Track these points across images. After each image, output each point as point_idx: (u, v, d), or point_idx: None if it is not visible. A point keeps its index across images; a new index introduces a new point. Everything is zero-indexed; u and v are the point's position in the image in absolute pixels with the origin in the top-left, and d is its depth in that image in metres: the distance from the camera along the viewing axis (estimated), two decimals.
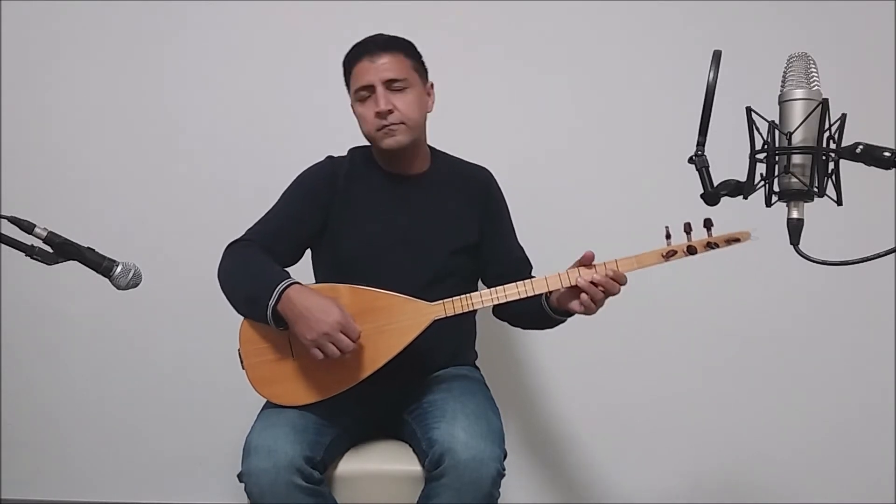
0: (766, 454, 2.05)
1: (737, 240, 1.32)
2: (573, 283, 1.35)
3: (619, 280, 1.34)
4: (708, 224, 1.28)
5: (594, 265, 1.35)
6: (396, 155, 1.52)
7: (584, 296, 1.34)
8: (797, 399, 2.04)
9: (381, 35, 1.51)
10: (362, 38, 1.52)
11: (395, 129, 1.47)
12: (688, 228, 1.30)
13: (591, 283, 1.33)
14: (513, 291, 1.38)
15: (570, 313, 1.42)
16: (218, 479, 2.09)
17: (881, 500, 2.01)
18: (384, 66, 1.46)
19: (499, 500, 1.35)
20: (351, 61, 1.51)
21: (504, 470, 1.34)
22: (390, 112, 1.45)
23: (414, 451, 1.45)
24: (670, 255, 1.32)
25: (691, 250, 1.32)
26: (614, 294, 1.35)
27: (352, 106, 1.53)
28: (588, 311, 1.36)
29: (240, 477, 1.32)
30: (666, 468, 2.08)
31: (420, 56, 1.54)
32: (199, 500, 2.14)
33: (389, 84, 1.46)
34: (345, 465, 1.44)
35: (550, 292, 1.41)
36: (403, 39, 1.52)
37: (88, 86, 2.07)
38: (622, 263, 1.35)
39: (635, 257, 1.35)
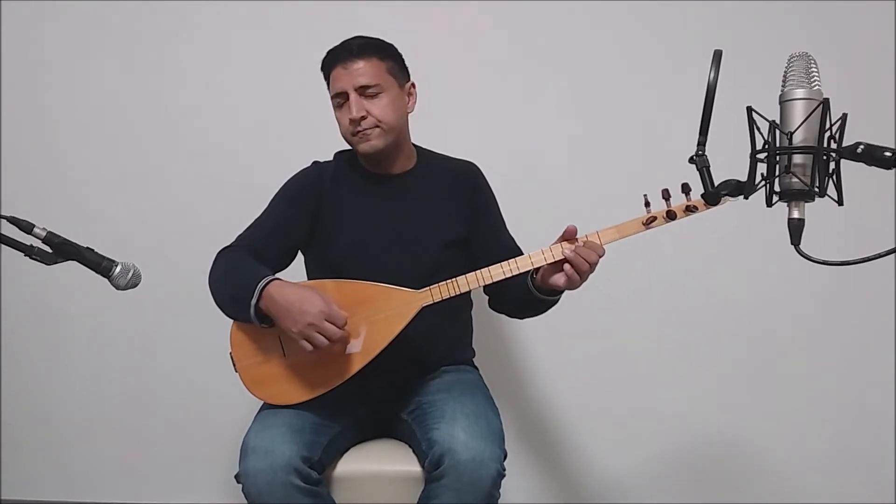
0: (767, 454, 2.05)
1: None
2: (556, 258, 1.34)
3: (596, 250, 1.32)
4: (686, 189, 1.25)
5: (576, 238, 1.34)
6: (376, 157, 1.53)
7: (567, 267, 1.32)
8: (797, 399, 2.03)
9: (355, 39, 1.50)
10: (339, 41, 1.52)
11: (369, 133, 1.48)
12: (666, 195, 1.28)
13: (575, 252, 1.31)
14: (498, 271, 1.37)
15: (557, 291, 1.40)
16: (216, 480, 2.09)
17: (881, 500, 2.01)
18: (357, 72, 1.46)
19: (498, 501, 1.35)
20: (327, 67, 1.52)
21: (504, 470, 1.33)
22: (363, 118, 1.46)
23: (413, 451, 1.45)
24: (650, 221, 1.30)
25: (671, 215, 1.30)
26: (592, 263, 1.32)
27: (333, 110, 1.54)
28: (572, 284, 1.34)
29: (237, 478, 1.32)
30: (665, 468, 2.07)
31: (398, 57, 1.54)
32: (197, 500, 2.13)
33: (363, 90, 1.46)
34: (344, 465, 1.44)
35: (536, 272, 1.40)
36: (378, 41, 1.51)
37: (88, 86, 2.07)
38: (604, 234, 1.34)
39: (616, 227, 1.33)
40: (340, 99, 1.49)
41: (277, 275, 1.40)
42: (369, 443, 1.53)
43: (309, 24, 2.01)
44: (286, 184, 1.59)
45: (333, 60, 1.50)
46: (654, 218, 1.30)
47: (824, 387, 2.03)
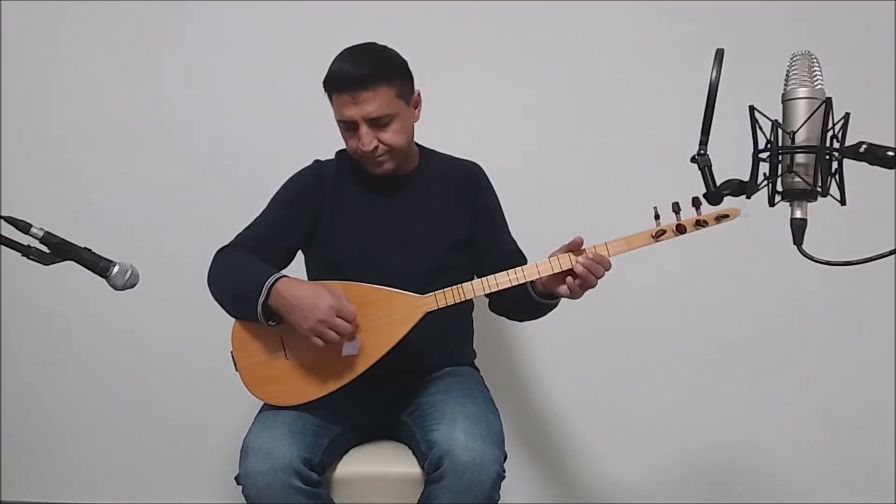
0: (766, 454, 2.05)
1: (726, 216, 1.29)
2: (563, 268, 1.33)
3: (604, 264, 1.31)
4: (696, 203, 1.24)
5: (583, 249, 1.33)
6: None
7: (570, 280, 1.32)
8: (797, 399, 2.03)
9: (360, 64, 1.40)
10: (344, 50, 1.44)
11: (381, 159, 1.46)
12: (676, 208, 1.27)
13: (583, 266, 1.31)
14: (504, 279, 1.36)
15: (557, 297, 1.39)
16: (216, 481, 2.08)
17: (881, 500, 2.01)
18: (366, 103, 1.39)
19: (498, 502, 1.34)
20: (330, 89, 1.44)
21: (504, 472, 1.33)
22: (375, 148, 1.44)
23: (413, 453, 1.44)
24: (659, 234, 1.30)
25: (680, 229, 1.29)
26: (598, 276, 1.32)
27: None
28: (574, 295, 1.34)
29: (237, 479, 1.31)
30: (666, 469, 2.07)
31: (404, 71, 1.46)
32: (197, 501, 2.13)
33: (374, 121, 1.41)
34: (343, 467, 1.44)
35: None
36: (384, 64, 1.42)
37: (88, 85, 2.06)
38: (612, 246, 1.33)
39: (625, 239, 1.32)
40: (348, 124, 1.44)
41: (275, 269, 1.39)
42: (369, 444, 1.53)
43: (308, 23, 2.00)
44: (287, 183, 1.58)
45: (339, 86, 1.41)
46: (664, 231, 1.30)
47: (824, 387, 2.03)
